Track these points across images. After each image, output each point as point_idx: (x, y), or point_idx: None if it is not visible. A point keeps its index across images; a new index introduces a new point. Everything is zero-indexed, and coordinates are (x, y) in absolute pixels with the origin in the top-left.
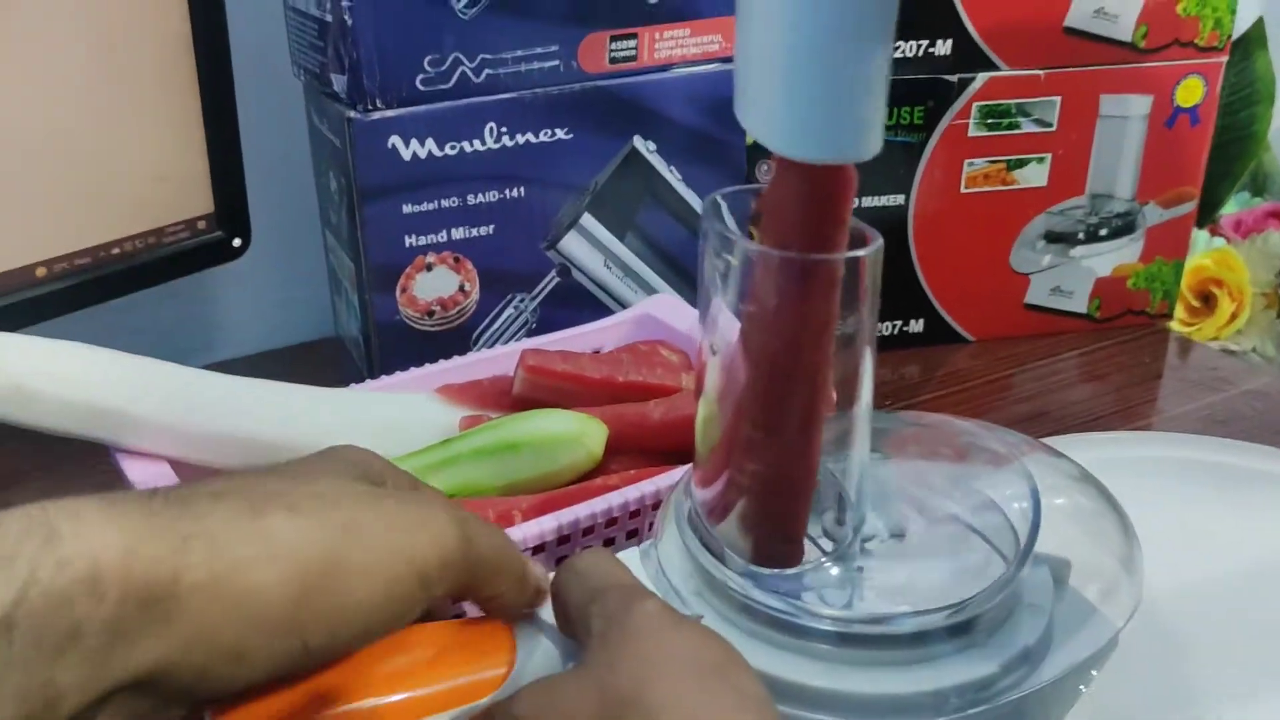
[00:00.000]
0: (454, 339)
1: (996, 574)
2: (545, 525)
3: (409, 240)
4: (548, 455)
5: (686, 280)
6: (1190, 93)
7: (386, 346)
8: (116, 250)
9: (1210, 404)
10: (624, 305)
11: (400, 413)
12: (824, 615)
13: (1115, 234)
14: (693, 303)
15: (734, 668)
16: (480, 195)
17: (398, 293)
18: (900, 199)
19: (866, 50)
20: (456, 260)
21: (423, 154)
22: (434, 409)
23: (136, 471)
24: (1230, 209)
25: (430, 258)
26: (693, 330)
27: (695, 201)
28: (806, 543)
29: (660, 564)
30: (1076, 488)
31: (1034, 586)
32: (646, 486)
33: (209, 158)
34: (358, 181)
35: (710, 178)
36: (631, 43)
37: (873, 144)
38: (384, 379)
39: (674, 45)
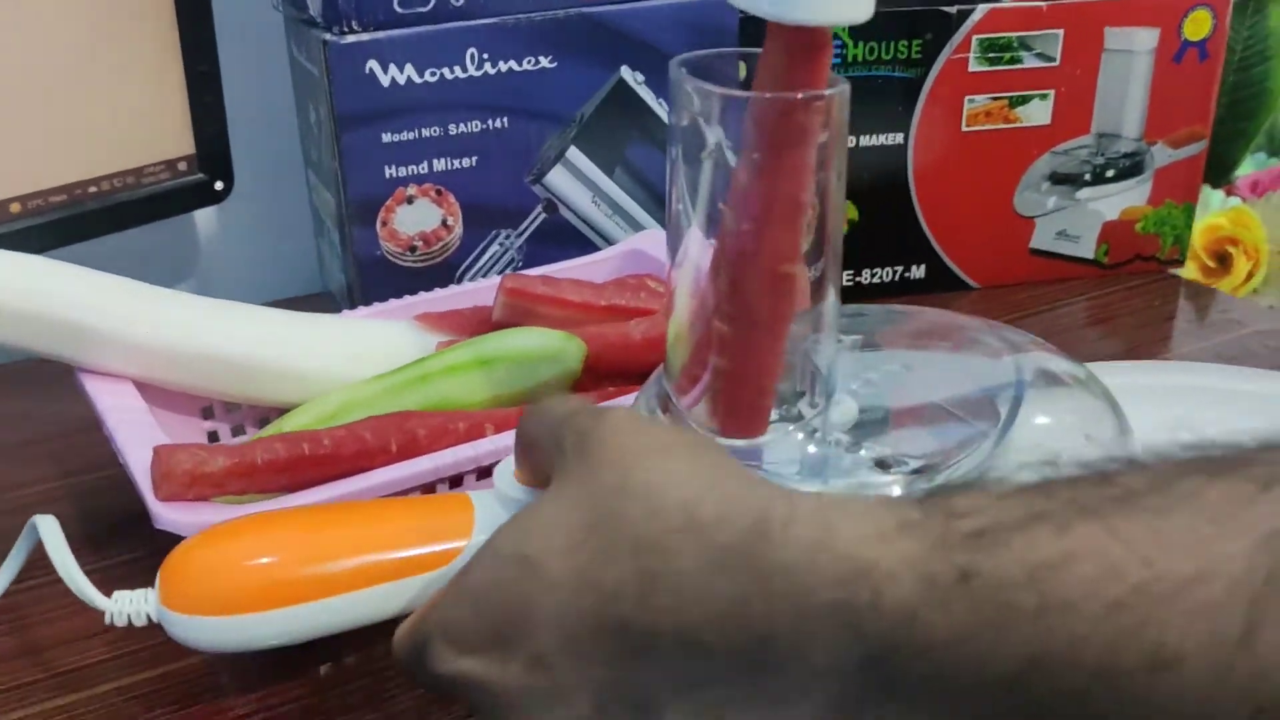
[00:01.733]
0: (438, 276)
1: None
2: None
3: (389, 171)
4: (525, 371)
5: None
6: (1198, 26)
7: (369, 283)
8: (94, 189)
9: (1222, 342)
10: (613, 244)
11: (377, 338)
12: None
13: (1122, 175)
14: None
15: (714, 447)
16: (462, 125)
17: (378, 226)
18: (899, 138)
19: None
20: (439, 193)
21: (402, 80)
22: (412, 335)
23: (101, 391)
24: (1246, 169)
25: (411, 189)
26: None
27: None
28: (777, 415)
29: None
30: (1074, 384)
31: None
32: (626, 400)
33: (189, 96)
34: (336, 109)
35: None
36: None
37: (864, 6)
38: (362, 310)
39: None
